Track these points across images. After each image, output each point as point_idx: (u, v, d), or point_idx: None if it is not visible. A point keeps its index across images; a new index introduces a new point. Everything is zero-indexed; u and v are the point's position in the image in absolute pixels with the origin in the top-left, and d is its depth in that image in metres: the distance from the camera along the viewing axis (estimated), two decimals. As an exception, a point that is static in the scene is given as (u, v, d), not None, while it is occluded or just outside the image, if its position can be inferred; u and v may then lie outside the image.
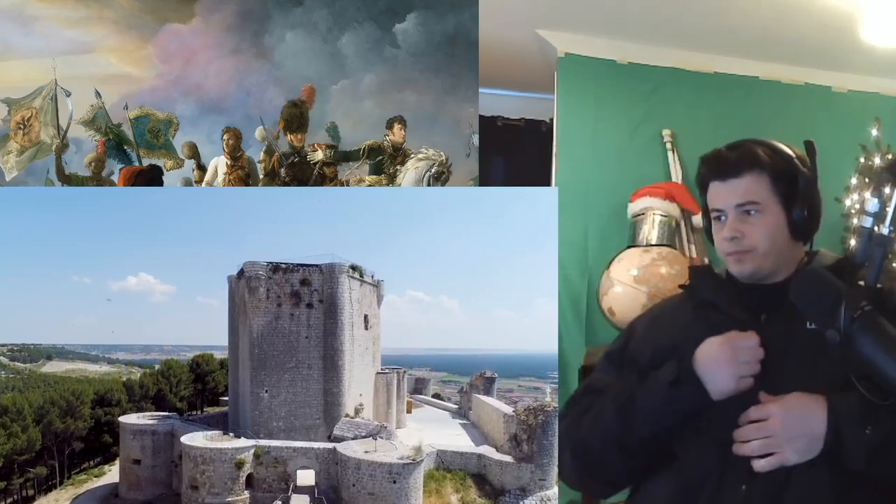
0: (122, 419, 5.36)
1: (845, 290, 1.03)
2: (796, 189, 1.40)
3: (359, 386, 5.17)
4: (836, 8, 3.50)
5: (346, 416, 4.87)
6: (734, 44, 4.03)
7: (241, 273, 4.77)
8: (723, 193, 1.45)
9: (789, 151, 1.43)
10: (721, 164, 1.46)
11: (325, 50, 5.23)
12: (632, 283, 3.40)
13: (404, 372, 6.31)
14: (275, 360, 4.70)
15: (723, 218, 1.45)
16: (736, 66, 4.18)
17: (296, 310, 4.81)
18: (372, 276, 5.49)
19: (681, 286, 1.62)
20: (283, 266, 4.77)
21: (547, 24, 4.03)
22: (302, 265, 4.82)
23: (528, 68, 4.51)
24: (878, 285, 1.05)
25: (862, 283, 1.06)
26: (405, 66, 5.16)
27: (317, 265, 4.82)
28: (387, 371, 5.78)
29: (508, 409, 4.89)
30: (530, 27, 4.06)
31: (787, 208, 1.41)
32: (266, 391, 4.67)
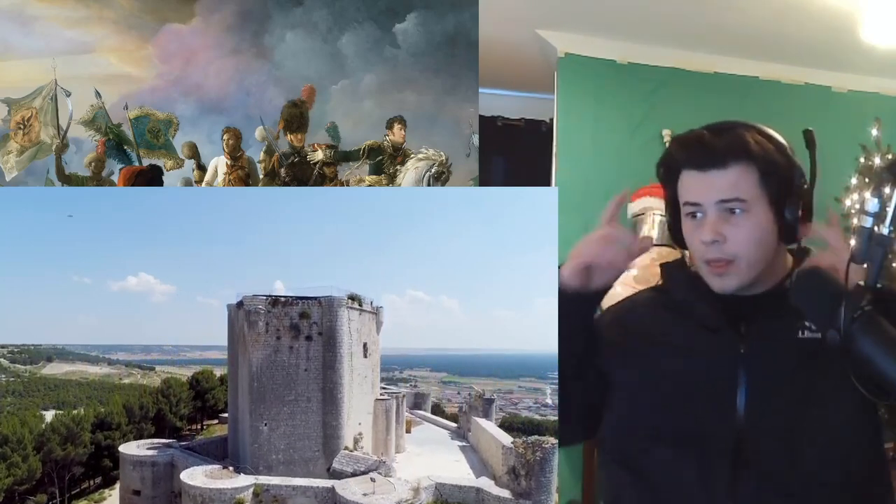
0: (122, 449, 5.34)
1: (845, 290, 1.03)
2: (790, 185, 1.21)
3: (358, 415, 5.17)
4: (836, 8, 3.50)
5: (346, 448, 4.86)
6: (734, 44, 4.03)
7: (240, 304, 4.78)
8: (701, 185, 1.22)
9: (782, 140, 1.24)
10: (703, 151, 1.22)
11: (325, 50, 5.23)
12: (632, 283, 3.39)
13: (403, 396, 6.31)
14: (274, 394, 4.70)
15: (699, 215, 1.22)
16: (736, 66, 4.18)
17: (295, 343, 4.80)
18: (371, 304, 5.49)
19: (653, 288, 1.42)
20: (283, 300, 4.77)
21: (547, 24, 4.04)
22: (301, 298, 4.82)
23: (528, 68, 4.51)
24: (878, 285, 1.05)
25: (862, 283, 1.06)
26: (405, 66, 5.16)
27: (316, 298, 4.82)
28: (386, 398, 5.78)
29: (507, 440, 4.86)
30: (530, 27, 4.06)
31: (776, 208, 1.20)
32: (265, 424, 4.67)
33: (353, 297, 5.18)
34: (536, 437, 4.67)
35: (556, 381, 1.38)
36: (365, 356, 5.57)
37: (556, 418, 1.41)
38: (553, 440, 4.56)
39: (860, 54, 3.80)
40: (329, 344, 5.05)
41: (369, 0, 5.20)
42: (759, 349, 1.21)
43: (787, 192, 1.21)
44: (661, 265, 1.40)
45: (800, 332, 1.18)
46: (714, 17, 3.74)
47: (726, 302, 1.25)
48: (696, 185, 1.23)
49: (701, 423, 1.21)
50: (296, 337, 5.03)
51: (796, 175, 1.22)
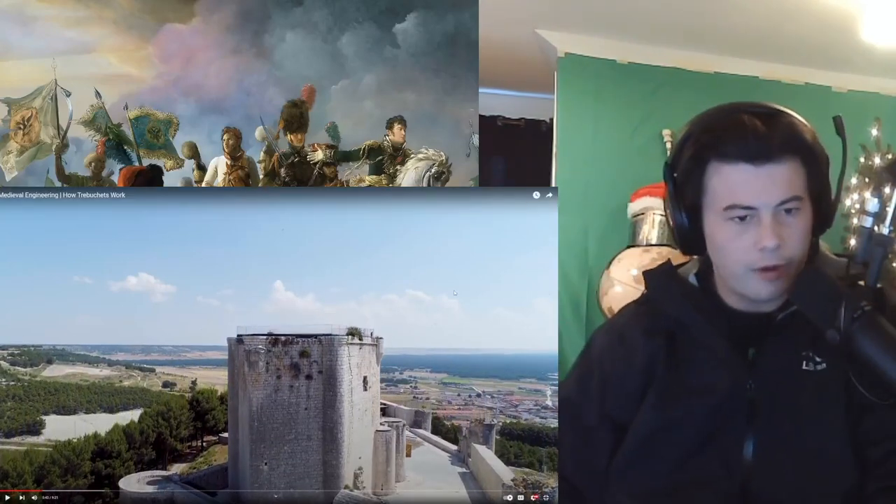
0: (122, 485, 5.37)
1: (845, 290, 1.03)
2: (827, 176, 1.10)
3: (358, 449, 5.20)
4: (836, 8, 3.50)
5: (346, 487, 4.88)
6: (734, 44, 4.03)
7: (240, 339, 4.82)
8: (755, 184, 1.03)
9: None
10: (757, 141, 1.04)
11: (325, 50, 5.23)
12: (632, 283, 3.40)
13: (404, 425, 6.34)
14: (274, 433, 4.71)
15: (748, 218, 1.05)
16: (736, 66, 4.18)
17: (295, 381, 4.82)
18: (371, 335, 5.51)
19: (637, 302, 1.25)
20: (283, 339, 4.82)
21: (547, 23, 4.04)
22: (301, 336, 4.86)
23: (528, 68, 4.51)
24: (878, 285, 1.05)
25: (862, 283, 1.06)
26: (405, 66, 5.15)
27: (315, 336, 4.86)
28: (386, 429, 5.80)
29: (507, 477, 4.89)
30: (530, 27, 4.06)
31: (815, 202, 1.09)
32: (266, 464, 4.70)
33: (352, 333, 5.20)
34: (537, 478, 4.67)
35: (556, 382, 1.38)
36: (365, 389, 5.59)
37: (556, 423, 1.38)
38: (553, 484, 4.56)
39: (860, 54, 3.80)
40: (329, 382, 5.07)
41: (369, 0, 5.20)
42: (770, 382, 1.09)
43: (825, 183, 1.11)
44: (645, 273, 1.24)
45: (804, 364, 1.09)
46: (714, 17, 3.74)
47: (733, 320, 1.13)
48: (747, 183, 1.04)
49: (706, 466, 1.10)
50: (296, 376, 5.05)
51: (828, 165, 1.11)
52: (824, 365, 1.09)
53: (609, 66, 4.11)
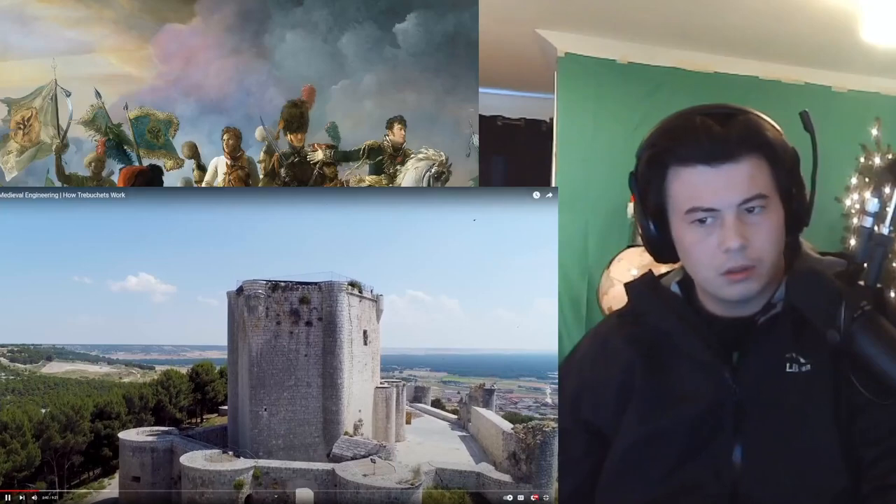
0: (121, 435, 5.33)
1: (845, 289, 1.03)
2: (798, 172, 1.08)
3: (358, 402, 5.18)
4: (835, 8, 3.50)
5: (346, 433, 4.87)
6: (734, 44, 4.04)
7: (240, 290, 4.81)
8: (714, 185, 1.02)
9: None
10: (712, 142, 1.02)
11: (325, 50, 5.22)
12: (632, 283, 3.41)
13: (403, 385, 6.33)
14: (274, 379, 4.70)
15: (709, 220, 1.04)
16: (736, 66, 4.19)
17: (295, 328, 4.80)
18: (371, 291, 5.52)
19: (620, 314, 1.24)
20: (283, 284, 4.80)
21: (547, 23, 4.04)
22: (301, 283, 4.85)
23: (528, 68, 4.51)
24: (878, 285, 1.05)
25: (862, 283, 1.05)
26: (405, 66, 5.15)
27: (316, 283, 4.86)
28: (386, 385, 5.80)
29: (507, 427, 4.90)
30: (530, 27, 4.07)
31: (785, 199, 1.07)
32: (265, 409, 4.67)
33: (353, 284, 5.21)
34: (537, 421, 4.68)
35: (556, 381, 1.37)
36: (365, 343, 5.57)
37: (556, 418, 1.38)
38: (553, 423, 4.54)
39: (860, 54, 3.81)
40: (329, 329, 5.06)
41: (369, 0, 5.20)
42: (755, 385, 1.07)
43: (795, 179, 1.08)
44: (626, 285, 1.22)
45: (788, 366, 1.07)
46: (714, 17, 3.75)
47: (715, 326, 1.11)
48: (705, 185, 1.03)
49: (695, 473, 1.09)
50: (296, 322, 5.03)
51: (797, 161, 1.09)
52: (809, 366, 1.07)
53: (609, 66, 4.12)
